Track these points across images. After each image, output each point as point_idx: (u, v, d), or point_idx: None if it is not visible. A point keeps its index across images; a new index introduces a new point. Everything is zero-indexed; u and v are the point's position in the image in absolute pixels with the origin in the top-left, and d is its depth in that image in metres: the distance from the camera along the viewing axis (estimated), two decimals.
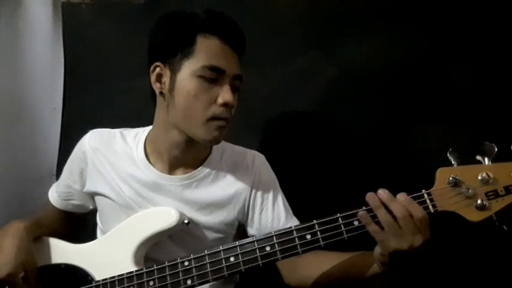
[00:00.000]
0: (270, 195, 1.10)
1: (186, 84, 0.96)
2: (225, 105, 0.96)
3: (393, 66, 1.48)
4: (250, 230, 1.11)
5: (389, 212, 0.80)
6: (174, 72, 0.97)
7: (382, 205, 0.81)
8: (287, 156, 1.50)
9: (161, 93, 1.01)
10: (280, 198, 1.11)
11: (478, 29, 1.43)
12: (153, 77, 1.01)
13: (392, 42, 1.50)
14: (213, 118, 0.97)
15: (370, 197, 0.83)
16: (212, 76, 0.95)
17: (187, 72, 0.96)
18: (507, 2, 1.41)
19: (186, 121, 0.99)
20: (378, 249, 0.84)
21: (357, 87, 1.50)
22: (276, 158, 1.46)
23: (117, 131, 1.15)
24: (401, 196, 0.82)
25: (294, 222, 1.09)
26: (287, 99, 1.54)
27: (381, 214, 0.81)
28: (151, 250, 1.04)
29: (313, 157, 1.50)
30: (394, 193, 0.83)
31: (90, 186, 1.11)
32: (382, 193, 0.82)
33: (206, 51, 0.95)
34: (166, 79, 0.99)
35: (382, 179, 1.36)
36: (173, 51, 0.97)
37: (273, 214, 1.08)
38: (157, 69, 1.00)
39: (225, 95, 0.95)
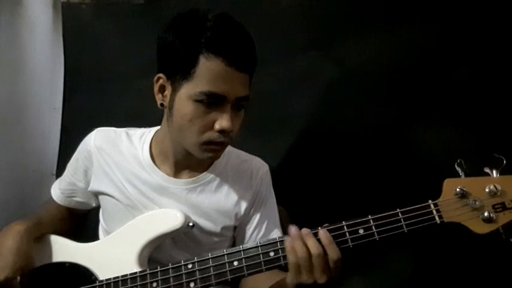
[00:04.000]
0: (262, 208, 1.11)
1: (183, 106, 0.91)
2: (221, 131, 0.91)
3: (394, 67, 1.48)
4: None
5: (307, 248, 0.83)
6: (174, 91, 0.93)
7: (300, 238, 0.84)
8: (287, 157, 1.51)
9: (162, 105, 0.98)
10: (270, 213, 1.12)
11: (484, 27, 1.43)
12: (156, 87, 0.97)
13: (393, 42, 1.50)
14: (208, 143, 0.94)
15: (290, 228, 0.86)
16: (210, 101, 0.90)
17: (185, 95, 0.91)
18: (508, 2, 1.42)
19: (181, 139, 0.97)
20: (288, 279, 0.86)
21: (357, 87, 1.51)
22: (276, 159, 1.48)
23: (122, 130, 1.14)
24: (323, 232, 0.84)
25: (276, 234, 1.09)
26: (287, 99, 1.54)
27: (298, 246, 0.83)
28: (153, 251, 1.04)
29: (313, 159, 1.51)
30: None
31: (94, 186, 1.11)
32: (304, 229, 0.85)
33: (207, 75, 0.88)
34: (168, 93, 0.95)
35: (386, 183, 1.40)
36: (175, 69, 0.92)
37: (256, 225, 1.09)
38: (160, 80, 0.96)
39: (222, 121, 0.90)
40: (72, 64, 1.64)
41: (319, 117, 1.54)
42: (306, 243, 0.83)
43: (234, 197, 1.08)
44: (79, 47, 1.63)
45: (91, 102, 1.62)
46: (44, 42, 1.58)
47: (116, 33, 1.62)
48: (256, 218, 1.09)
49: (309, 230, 0.85)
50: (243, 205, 1.08)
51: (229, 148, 1.11)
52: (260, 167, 1.13)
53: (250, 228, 1.09)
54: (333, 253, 0.82)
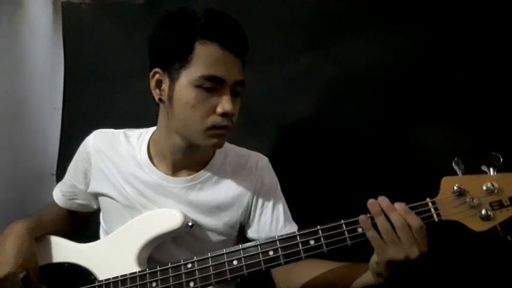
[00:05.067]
0: (271, 199, 1.10)
1: (184, 93, 0.93)
2: (224, 114, 0.93)
3: (394, 67, 1.48)
4: (249, 232, 1.11)
5: (388, 220, 0.81)
6: (172, 81, 0.95)
7: (382, 212, 0.81)
8: (287, 157, 1.50)
9: (160, 99, 0.99)
10: (281, 202, 1.12)
11: (483, 27, 1.43)
12: (152, 83, 0.99)
13: (393, 42, 1.49)
14: (212, 127, 0.95)
15: (371, 203, 0.83)
16: (210, 86, 0.92)
17: (185, 82, 0.93)
18: (508, 2, 1.41)
19: (185, 129, 0.98)
20: (374, 258, 0.84)
21: (357, 87, 1.50)
22: (276, 159, 1.47)
23: (120, 131, 1.15)
24: (399, 205, 0.82)
25: (292, 226, 1.09)
26: (287, 99, 1.54)
27: (380, 221, 0.81)
28: (153, 251, 1.05)
29: (313, 158, 1.51)
30: (398, 198, 0.84)
31: (93, 187, 1.12)
32: (383, 201, 0.82)
33: (204, 59, 0.91)
34: (165, 86, 0.97)
35: (384, 182, 1.40)
36: (171, 59, 0.94)
37: (272, 217, 1.09)
38: (157, 75, 0.98)
39: (224, 104, 0.93)
40: (72, 64, 1.63)
41: (319, 117, 1.53)
42: (389, 216, 0.81)
43: (233, 191, 1.08)
44: (79, 47, 1.63)
45: (91, 102, 1.62)
46: (44, 42, 1.59)
47: (116, 33, 1.62)
48: (269, 210, 1.09)
49: (388, 200, 0.82)
50: (245, 198, 1.08)
51: (226, 145, 1.11)
52: (259, 160, 1.14)
53: (267, 222, 1.09)
54: (414, 222, 0.79)
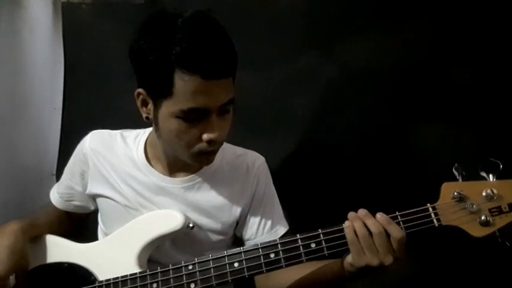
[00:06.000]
0: (265, 199, 1.11)
1: (167, 123, 0.90)
2: (210, 141, 0.91)
3: (394, 66, 1.48)
4: (236, 231, 1.12)
5: (367, 227, 0.83)
6: (156, 107, 0.91)
7: (359, 218, 0.84)
8: (286, 156, 1.51)
9: (148, 118, 0.96)
10: (272, 204, 1.12)
11: (483, 27, 1.43)
12: (138, 102, 0.95)
13: (393, 41, 1.50)
14: (199, 153, 0.93)
15: (350, 212, 0.87)
16: (193, 117, 0.87)
17: (167, 112, 0.88)
18: (508, 2, 1.42)
19: (173, 151, 0.98)
20: (348, 259, 0.86)
21: (357, 87, 1.51)
22: (275, 159, 1.48)
23: (117, 132, 1.15)
24: (380, 215, 0.84)
25: (280, 229, 1.10)
26: (287, 99, 1.54)
27: (357, 226, 0.83)
28: (153, 251, 1.05)
29: (313, 159, 1.51)
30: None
31: (92, 188, 1.11)
32: (361, 210, 0.86)
33: (185, 92, 0.84)
34: (150, 108, 0.93)
35: (384, 181, 1.41)
36: (152, 87, 0.89)
37: (261, 218, 1.09)
38: (141, 96, 0.93)
39: (209, 133, 0.89)
40: (72, 64, 1.63)
41: (319, 117, 1.54)
42: (366, 223, 0.83)
43: (232, 191, 1.08)
44: (79, 47, 1.63)
45: (91, 102, 1.62)
46: (44, 42, 1.58)
47: (116, 33, 1.61)
48: (260, 210, 1.09)
49: (366, 210, 0.86)
50: (242, 199, 1.08)
51: (224, 144, 1.09)
52: (256, 160, 1.13)
53: (255, 223, 1.09)
54: (395, 232, 0.82)
